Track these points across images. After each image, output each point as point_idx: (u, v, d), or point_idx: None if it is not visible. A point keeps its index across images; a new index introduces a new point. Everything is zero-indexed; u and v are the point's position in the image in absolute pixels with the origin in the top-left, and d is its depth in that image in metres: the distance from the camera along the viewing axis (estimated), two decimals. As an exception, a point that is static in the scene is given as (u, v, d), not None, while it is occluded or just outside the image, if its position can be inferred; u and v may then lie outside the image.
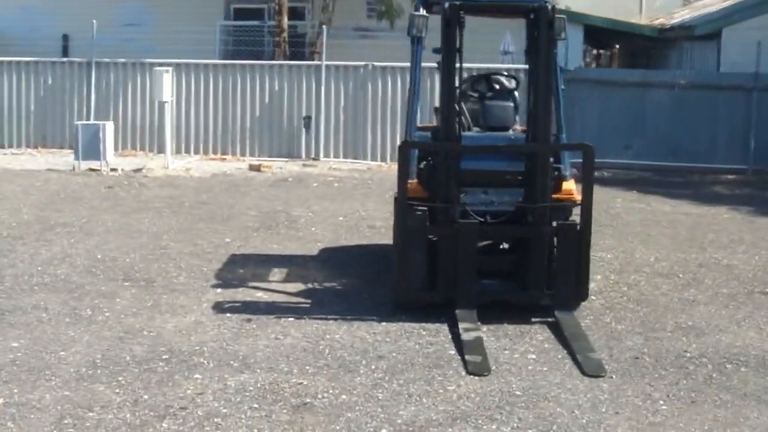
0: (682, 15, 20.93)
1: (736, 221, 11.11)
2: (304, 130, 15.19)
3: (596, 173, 14.30)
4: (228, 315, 6.63)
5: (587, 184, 6.58)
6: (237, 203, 11.58)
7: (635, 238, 9.81)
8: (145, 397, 5.04)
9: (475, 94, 7.67)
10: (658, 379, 5.46)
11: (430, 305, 6.64)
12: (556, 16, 6.93)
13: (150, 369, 5.47)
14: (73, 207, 10.95)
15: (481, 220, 6.70)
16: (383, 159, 15.21)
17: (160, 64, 15.20)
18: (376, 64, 15.66)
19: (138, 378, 5.31)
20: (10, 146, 16.08)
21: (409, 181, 6.76)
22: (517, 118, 7.88)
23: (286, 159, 15.41)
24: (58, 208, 10.81)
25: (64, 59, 16.33)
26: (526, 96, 8.23)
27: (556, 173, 6.71)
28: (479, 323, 6.40)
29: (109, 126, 14.06)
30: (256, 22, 19.94)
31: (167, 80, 14.23)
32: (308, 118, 15.31)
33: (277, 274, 7.96)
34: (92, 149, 13.69)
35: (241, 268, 8.09)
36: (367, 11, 19.29)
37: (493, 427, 4.73)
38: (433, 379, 5.40)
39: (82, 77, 15.98)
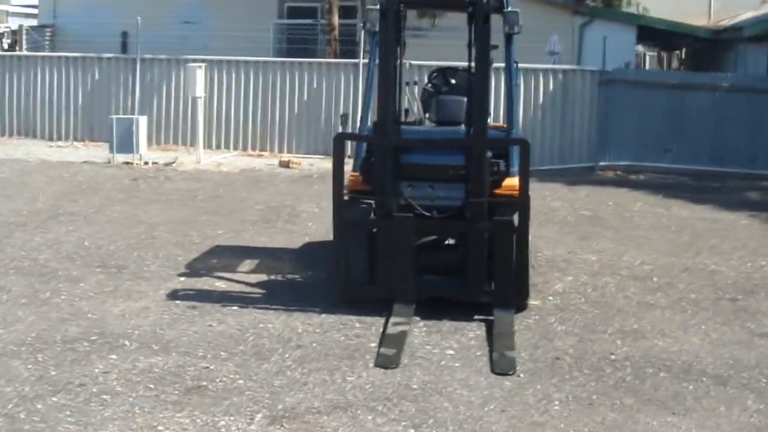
0: (745, 16, 20.40)
1: (752, 228, 10.85)
2: (341, 127, 15.34)
3: (633, 177, 14.73)
4: (177, 302, 6.87)
5: (524, 181, 6.58)
6: (250, 197, 11.86)
7: (633, 241, 9.70)
8: (53, 373, 5.30)
9: (432, 89, 7.78)
10: (566, 381, 5.46)
11: (371, 300, 6.75)
12: (509, 10, 6.98)
13: (72, 348, 5.74)
14: (88, 197, 11.39)
15: (428, 214, 6.77)
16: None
17: (202, 61, 15.65)
18: (413, 62, 15.73)
19: (56, 356, 5.58)
20: (59, 139, 16.74)
21: (353, 174, 6.90)
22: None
23: (322, 156, 15.62)
24: (74, 199, 11.26)
25: (111, 55, 16.89)
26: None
27: (496, 168, 6.71)
28: (415, 318, 6.49)
29: (143, 120, 14.52)
30: (309, 21, 20.30)
31: (200, 76, 14.63)
32: (345, 115, 15.30)
33: (247, 265, 8.17)
34: (126, 143, 14.18)
35: (215, 259, 8.34)
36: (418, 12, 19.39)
37: (369, 417, 4.83)
38: (337, 370, 5.52)
39: (128, 73, 16.52)
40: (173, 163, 14.60)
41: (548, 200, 12.22)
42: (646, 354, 5.97)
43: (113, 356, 5.64)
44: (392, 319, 6.40)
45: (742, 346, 6.22)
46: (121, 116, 14.70)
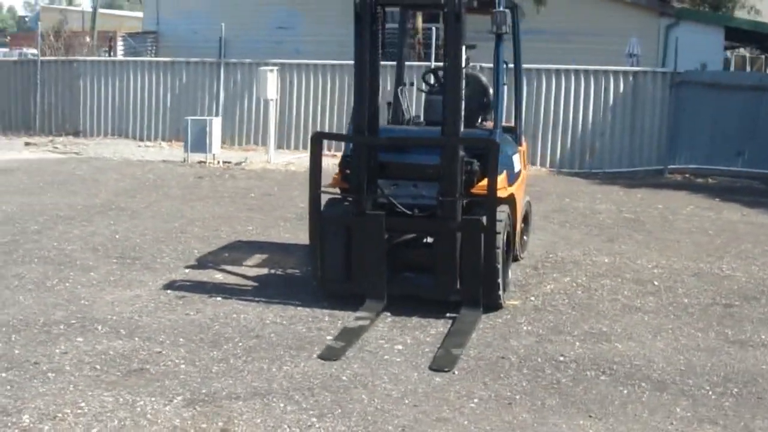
0: None
1: (798, 234, 10.40)
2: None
3: (700, 180, 14.28)
4: (168, 291, 7.17)
5: (491, 182, 6.57)
6: (300, 196, 12.08)
7: (659, 244, 9.46)
8: (16, 352, 5.66)
9: (425, 88, 7.83)
10: (498, 380, 5.44)
11: (346, 296, 6.88)
12: (498, 10, 6.96)
13: (47, 331, 6.10)
14: (147, 194, 11.91)
15: (408, 212, 6.84)
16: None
17: (282, 65, 16.09)
18: (483, 65, 15.72)
19: (29, 337, 5.95)
20: (149, 139, 17.50)
21: (336, 172, 7.07)
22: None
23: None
24: (133, 195, 11.80)
25: (197, 59, 17.52)
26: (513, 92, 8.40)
27: (469, 168, 6.71)
28: (385, 313, 6.59)
29: (217, 121, 15.04)
30: (395, 25, 20.42)
31: (272, 79, 15.03)
32: (417, 116, 15.65)
33: (254, 259, 8.41)
34: (200, 143, 14.72)
35: (227, 253, 8.62)
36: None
37: (281, 405, 4.96)
38: (279, 360, 5.68)
39: (213, 76, 17.11)
40: (243, 162, 15.06)
41: (596, 202, 12.03)
42: (597, 357, 5.88)
43: (80, 339, 5.97)
44: (357, 314, 6.53)
45: (706, 353, 6.04)
46: (196, 117, 15.25)
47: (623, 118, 15.26)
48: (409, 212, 6.82)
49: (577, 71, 15.47)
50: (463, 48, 6.57)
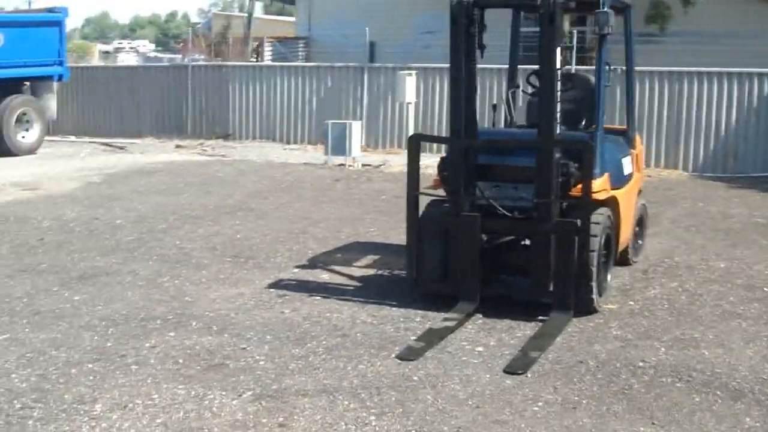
0: None
1: None
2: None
3: None
4: (271, 290, 7.39)
5: (585, 184, 6.43)
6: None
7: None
8: (108, 344, 6.01)
9: (530, 90, 7.75)
10: (569, 384, 5.34)
11: (442, 296, 6.89)
12: (601, 11, 6.80)
13: (143, 325, 6.43)
14: (280, 195, 12.28)
15: (509, 214, 6.79)
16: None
17: (425, 69, 16.23)
18: (620, 68, 15.32)
19: (124, 331, 6.29)
20: (295, 142, 17.99)
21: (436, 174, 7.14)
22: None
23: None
24: (266, 196, 12.18)
25: (342, 64, 17.86)
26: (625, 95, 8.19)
27: (565, 169, 6.58)
28: (473, 315, 6.57)
29: (356, 125, 15.30)
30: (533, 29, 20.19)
31: (410, 83, 15.16)
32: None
33: (365, 260, 8.53)
34: (340, 146, 15.02)
35: (341, 254, 8.78)
36: (645, 17, 18.77)
37: (345, 403, 5.04)
38: (357, 359, 5.76)
39: (357, 81, 17.43)
40: (382, 165, 15.27)
41: (731, 207, 11.50)
42: (679, 364, 5.66)
43: (172, 334, 6.26)
44: (446, 315, 6.54)
45: (802, 363, 5.71)
46: (336, 121, 15.55)
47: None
48: (509, 214, 6.77)
49: (720, 74, 14.83)
50: (558, 50, 6.45)
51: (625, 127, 8.23)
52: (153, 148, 17.70)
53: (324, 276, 7.92)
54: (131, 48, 66.03)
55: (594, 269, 6.52)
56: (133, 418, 4.82)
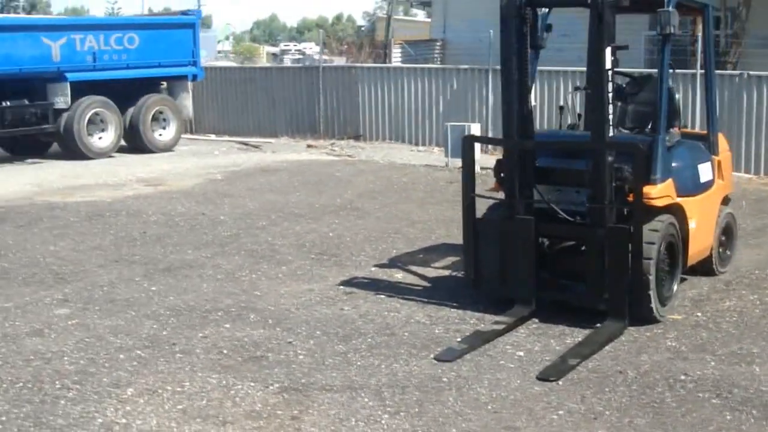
0: None
1: None
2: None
3: None
4: (341, 287, 7.51)
5: (637, 189, 6.21)
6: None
7: None
8: (164, 333, 6.30)
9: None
10: (600, 394, 5.20)
11: (503, 300, 6.82)
12: (664, 9, 6.57)
13: (204, 316, 6.69)
14: (388, 196, 12.37)
15: (570, 218, 6.68)
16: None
17: (550, 72, 15.98)
18: (752, 73, 14.66)
19: (184, 321, 6.57)
20: (422, 144, 18.04)
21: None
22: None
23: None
24: (374, 197, 12.31)
25: (467, 66, 17.78)
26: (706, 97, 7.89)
27: (619, 173, 6.38)
28: (529, 319, 6.49)
29: (475, 127, 15.21)
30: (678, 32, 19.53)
31: (530, 85, 14.94)
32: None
33: (444, 261, 8.52)
34: (459, 148, 14.94)
35: (423, 254, 8.80)
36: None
37: (365, 400, 5.11)
38: (394, 357, 5.80)
39: (482, 83, 17.34)
40: (499, 167, 15.13)
41: None
42: (723, 379, 5.40)
43: (227, 325, 6.48)
44: (499, 318, 6.50)
45: None
46: (455, 123, 15.51)
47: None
48: (570, 219, 6.65)
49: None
50: (609, 50, 6.27)
51: (705, 132, 7.90)
52: (285, 148, 18.19)
53: (398, 275, 7.97)
54: (297, 50, 67.76)
55: (651, 278, 6.30)
56: (158, 403, 5.05)
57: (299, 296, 7.25)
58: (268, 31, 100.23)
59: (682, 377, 5.44)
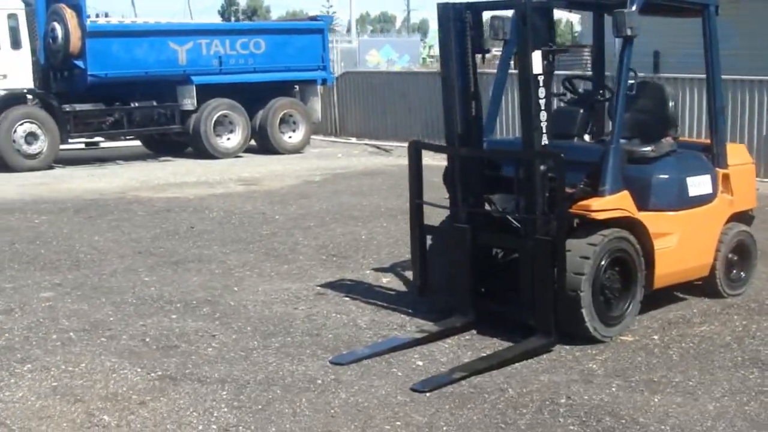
0: None
1: None
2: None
3: None
4: (318, 288, 7.61)
5: (558, 200, 5.94)
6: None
7: None
8: (111, 320, 6.72)
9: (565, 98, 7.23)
10: (457, 409, 5.06)
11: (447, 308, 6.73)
12: (619, 10, 6.26)
13: (161, 306, 7.06)
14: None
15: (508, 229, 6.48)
16: None
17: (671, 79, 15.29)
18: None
19: (143, 310, 6.96)
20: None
21: None
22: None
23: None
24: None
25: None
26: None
27: (554, 183, 6.10)
28: (463, 329, 6.38)
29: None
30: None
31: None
32: None
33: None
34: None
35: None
36: None
37: (223, 393, 5.27)
38: (296, 357, 5.90)
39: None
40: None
41: None
42: (606, 406, 5.10)
43: (174, 316, 6.82)
44: (429, 326, 6.46)
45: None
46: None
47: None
48: (510, 228, 6.45)
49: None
50: (538, 53, 6.02)
51: (709, 141, 7.38)
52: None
53: (385, 279, 8.00)
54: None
55: (583, 294, 6.00)
56: (39, 378, 5.50)
57: (270, 294, 7.45)
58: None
59: (563, 401, 5.18)
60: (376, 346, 6.08)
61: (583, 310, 6.04)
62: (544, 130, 6.10)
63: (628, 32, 6.27)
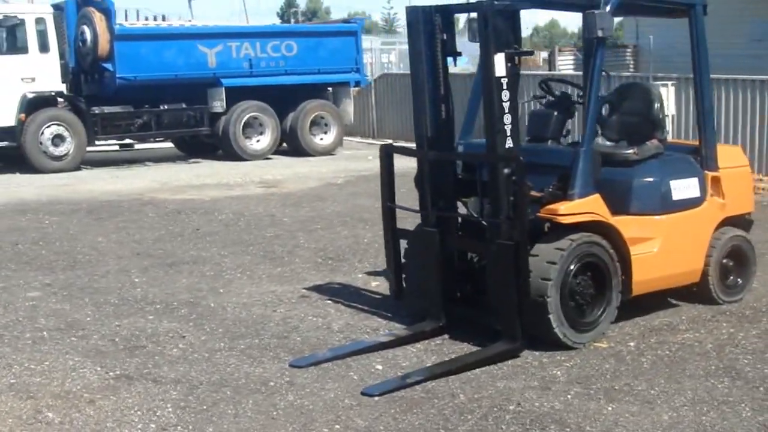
0: None
1: None
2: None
3: None
4: (303, 290, 7.69)
5: (519, 203, 5.91)
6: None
7: None
8: (88, 320, 6.87)
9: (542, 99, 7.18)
10: (401, 414, 5.07)
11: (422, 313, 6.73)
12: (591, 12, 6.20)
13: (141, 308, 7.20)
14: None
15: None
16: None
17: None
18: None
19: (122, 311, 7.11)
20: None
21: None
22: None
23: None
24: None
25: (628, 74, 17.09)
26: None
27: (516, 187, 6.07)
28: (433, 334, 6.38)
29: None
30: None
31: (665, 94, 14.16)
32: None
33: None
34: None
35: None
36: None
37: (172, 393, 5.37)
38: (257, 359, 5.97)
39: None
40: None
41: None
42: (554, 414, 5.07)
43: (150, 317, 6.95)
44: (398, 330, 6.49)
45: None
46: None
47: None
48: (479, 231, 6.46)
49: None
50: (501, 55, 5.99)
51: (697, 143, 7.28)
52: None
53: (374, 283, 8.02)
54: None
55: (550, 300, 5.96)
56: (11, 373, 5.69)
57: (253, 296, 7.53)
58: (549, 36, 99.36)
59: (512, 407, 5.16)
60: (339, 349, 6.13)
61: (551, 316, 6.01)
62: (509, 133, 6.08)
63: (599, 33, 6.22)
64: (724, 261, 7.21)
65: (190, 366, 5.83)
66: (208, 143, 17.76)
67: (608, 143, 7.26)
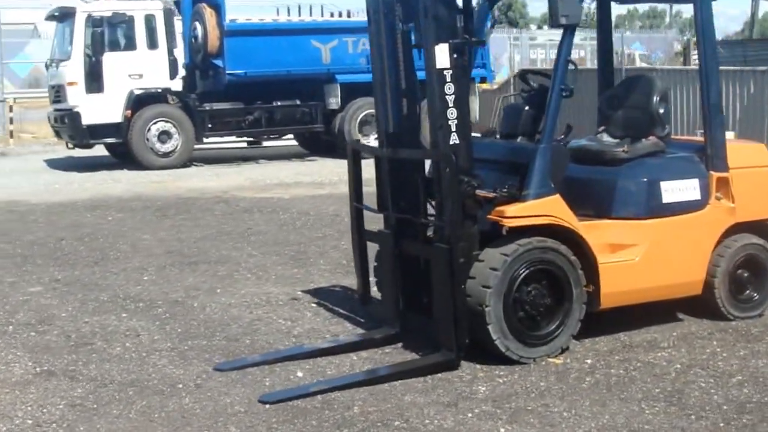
0: None
1: None
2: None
3: None
4: (288, 291, 7.86)
5: (450, 205, 5.77)
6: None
7: None
8: (63, 315, 7.32)
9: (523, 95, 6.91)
10: (283, 424, 5.12)
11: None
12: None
13: (126, 305, 7.58)
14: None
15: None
16: None
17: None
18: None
19: (106, 308, 7.52)
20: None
21: None
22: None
23: None
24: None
25: (764, 68, 16.04)
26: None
27: (466, 187, 5.91)
28: (385, 342, 6.38)
29: (729, 135, 13.87)
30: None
31: None
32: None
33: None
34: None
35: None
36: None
37: (78, 391, 5.66)
38: (193, 360, 6.18)
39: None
40: None
41: None
42: (415, 430, 4.99)
43: (124, 315, 7.31)
44: (346, 337, 6.57)
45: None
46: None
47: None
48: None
49: None
50: (443, 46, 5.85)
51: (703, 139, 6.83)
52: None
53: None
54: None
55: (489, 309, 5.78)
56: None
57: (244, 297, 7.73)
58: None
59: (396, 423, 5.08)
60: (270, 354, 6.22)
61: (490, 327, 5.84)
62: (453, 129, 5.98)
63: (563, 21, 5.98)
64: (738, 272, 6.77)
65: (117, 365, 6.10)
66: (329, 141, 18.14)
67: (610, 140, 6.97)
